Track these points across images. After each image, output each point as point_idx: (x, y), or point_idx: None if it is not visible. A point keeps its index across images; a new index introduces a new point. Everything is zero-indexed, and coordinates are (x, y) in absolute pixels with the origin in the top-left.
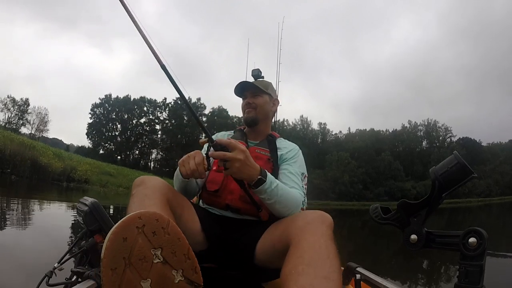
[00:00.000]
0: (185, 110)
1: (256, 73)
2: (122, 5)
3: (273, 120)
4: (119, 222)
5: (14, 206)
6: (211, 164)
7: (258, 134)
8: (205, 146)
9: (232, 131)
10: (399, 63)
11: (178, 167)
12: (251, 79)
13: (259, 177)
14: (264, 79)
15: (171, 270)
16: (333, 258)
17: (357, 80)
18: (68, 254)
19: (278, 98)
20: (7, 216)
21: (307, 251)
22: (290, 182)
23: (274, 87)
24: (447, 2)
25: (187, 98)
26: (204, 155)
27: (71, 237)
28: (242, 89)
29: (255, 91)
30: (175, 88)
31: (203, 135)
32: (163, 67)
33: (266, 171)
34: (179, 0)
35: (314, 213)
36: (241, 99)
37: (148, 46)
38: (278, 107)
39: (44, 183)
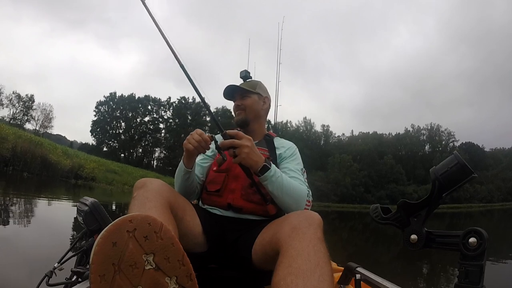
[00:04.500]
0: (189, 109)
1: (244, 75)
2: (145, 8)
3: (274, 121)
4: (108, 225)
5: (27, 203)
6: (224, 156)
7: (254, 134)
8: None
9: None
10: (400, 68)
11: (179, 164)
12: (241, 81)
13: (264, 163)
14: (255, 79)
15: (164, 277)
16: (323, 266)
17: (358, 84)
18: (68, 254)
19: (279, 98)
20: (17, 213)
21: (296, 260)
22: (292, 177)
23: (274, 86)
24: (448, 7)
25: (191, 97)
26: (215, 149)
27: (73, 235)
28: (231, 93)
29: (243, 93)
30: (192, 84)
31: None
32: (182, 66)
33: (270, 161)
34: (184, 6)
35: (300, 215)
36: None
37: (169, 47)
38: (279, 108)
39: (54, 180)
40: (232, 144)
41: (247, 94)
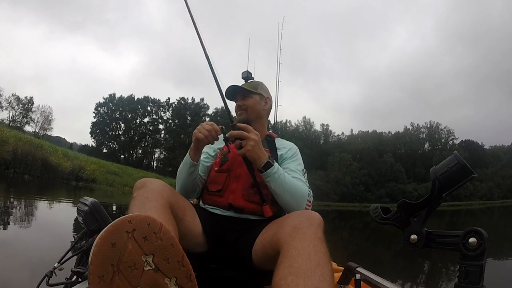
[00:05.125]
0: (188, 110)
1: (246, 75)
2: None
3: (273, 121)
4: (107, 226)
5: (28, 205)
6: (230, 149)
7: None
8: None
9: None
10: (398, 68)
11: (184, 158)
12: (242, 82)
13: (267, 160)
14: (255, 79)
15: (163, 278)
16: (324, 265)
17: (358, 84)
18: (68, 254)
19: (279, 98)
20: (18, 214)
21: (296, 259)
22: (294, 178)
23: (275, 86)
24: (446, 7)
25: (190, 98)
26: (223, 140)
27: (73, 235)
28: (232, 93)
29: (244, 93)
30: (214, 79)
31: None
32: (208, 58)
33: (274, 160)
34: (183, 7)
35: (301, 215)
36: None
37: (199, 39)
38: (279, 108)
39: (55, 183)
40: (241, 135)
41: (249, 94)
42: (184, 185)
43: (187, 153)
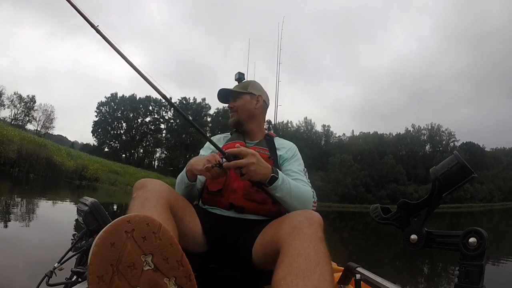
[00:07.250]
0: (190, 110)
1: (238, 77)
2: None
3: (274, 121)
4: (106, 226)
5: (31, 204)
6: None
7: (254, 134)
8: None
9: (229, 133)
10: (398, 68)
11: (183, 171)
12: (236, 83)
13: (272, 174)
14: (255, 79)
15: (163, 278)
16: (324, 265)
17: (358, 84)
18: (68, 254)
19: (279, 98)
20: (20, 213)
21: (296, 259)
22: (296, 179)
23: (275, 86)
24: (445, 7)
25: (191, 98)
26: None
27: (74, 235)
28: (225, 96)
29: (234, 95)
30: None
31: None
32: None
33: (277, 169)
34: (184, 10)
35: (301, 214)
36: None
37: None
38: (279, 108)
39: (59, 182)
40: (237, 165)
41: (238, 95)
42: (183, 195)
43: (184, 171)
